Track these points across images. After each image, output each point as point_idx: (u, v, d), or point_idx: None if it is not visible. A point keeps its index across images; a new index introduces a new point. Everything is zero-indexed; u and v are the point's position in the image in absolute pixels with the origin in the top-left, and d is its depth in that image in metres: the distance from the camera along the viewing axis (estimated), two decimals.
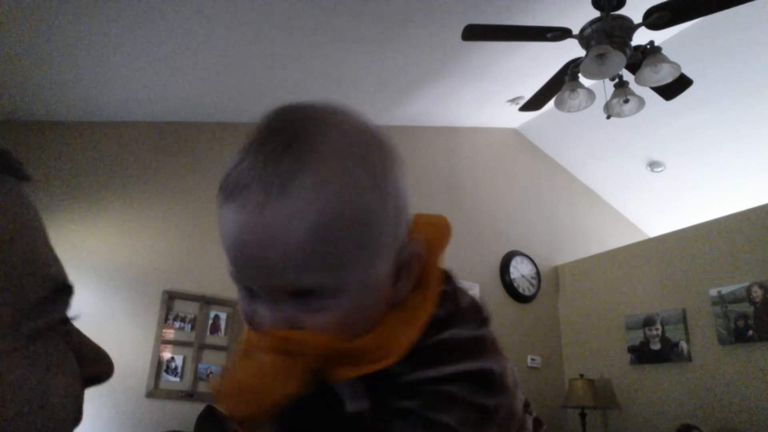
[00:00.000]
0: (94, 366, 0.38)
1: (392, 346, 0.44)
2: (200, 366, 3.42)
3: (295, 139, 0.43)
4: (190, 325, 3.48)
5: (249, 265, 0.43)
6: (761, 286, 3.64)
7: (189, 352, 3.44)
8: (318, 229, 0.41)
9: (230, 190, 0.43)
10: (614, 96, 3.03)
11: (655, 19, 2.62)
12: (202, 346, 3.47)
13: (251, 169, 0.42)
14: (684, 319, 4.07)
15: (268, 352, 0.43)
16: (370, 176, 0.44)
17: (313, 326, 0.43)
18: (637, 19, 2.71)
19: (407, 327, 0.45)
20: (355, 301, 0.44)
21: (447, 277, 0.52)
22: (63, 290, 0.36)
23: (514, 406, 0.48)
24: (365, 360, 0.44)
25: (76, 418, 0.37)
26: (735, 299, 3.76)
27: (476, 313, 0.51)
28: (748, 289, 3.70)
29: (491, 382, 0.46)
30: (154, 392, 3.26)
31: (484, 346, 0.48)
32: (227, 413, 0.43)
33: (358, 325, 0.45)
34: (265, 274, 0.43)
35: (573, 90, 3.00)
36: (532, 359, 4.74)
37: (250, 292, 0.45)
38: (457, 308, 0.49)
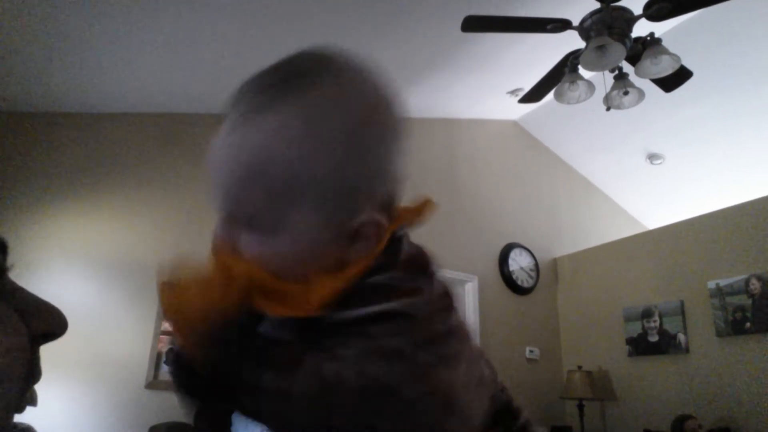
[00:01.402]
0: (42, 322, 0.38)
1: (314, 294, 0.45)
2: None
3: (293, 76, 0.46)
4: None
5: (214, 186, 0.46)
6: (759, 278, 3.65)
7: None
8: (266, 160, 0.43)
9: (225, 109, 0.47)
10: (614, 88, 3.02)
11: (656, 10, 2.61)
12: None
13: (234, 102, 0.46)
14: (682, 311, 4.08)
15: (211, 272, 0.45)
16: (343, 133, 0.44)
17: (246, 254, 0.45)
18: (638, 10, 2.70)
19: (335, 279, 0.45)
20: (286, 243, 0.45)
21: (398, 238, 0.50)
22: None
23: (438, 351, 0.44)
24: (289, 303, 0.45)
25: (30, 374, 0.37)
26: (733, 291, 3.77)
27: (411, 264, 0.49)
28: (746, 282, 3.71)
29: (415, 328, 0.43)
30: (154, 383, 3.27)
31: (403, 290, 0.46)
32: (170, 323, 0.44)
33: (289, 267, 0.45)
34: (219, 197, 0.46)
35: (573, 82, 3.00)
36: (531, 351, 4.76)
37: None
38: (391, 259, 0.48)
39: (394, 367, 0.41)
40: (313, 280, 0.45)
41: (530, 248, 5.09)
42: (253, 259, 0.45)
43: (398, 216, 0.50)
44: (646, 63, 2.81)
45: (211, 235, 0.49)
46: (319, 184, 0.44)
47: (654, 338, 4.22)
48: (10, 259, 0.39)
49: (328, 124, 0.44)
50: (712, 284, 3.91)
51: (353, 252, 0.46)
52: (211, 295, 0.43)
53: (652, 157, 5.42)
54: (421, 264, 0.51)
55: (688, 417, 3.61)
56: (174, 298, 0.45)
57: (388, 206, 0.49)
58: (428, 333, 0.44)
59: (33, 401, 0.38)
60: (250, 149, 0.44)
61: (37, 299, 0.39)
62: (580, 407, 4.28)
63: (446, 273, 4.19)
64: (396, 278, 0.46)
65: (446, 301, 0.49)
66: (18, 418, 0.37)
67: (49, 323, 0.39)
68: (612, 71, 2.98)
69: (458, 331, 0.47)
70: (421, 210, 0.54)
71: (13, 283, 0.39)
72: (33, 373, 0.37)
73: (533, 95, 3.41)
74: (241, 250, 0.46)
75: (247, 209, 0.45)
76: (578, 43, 2.93)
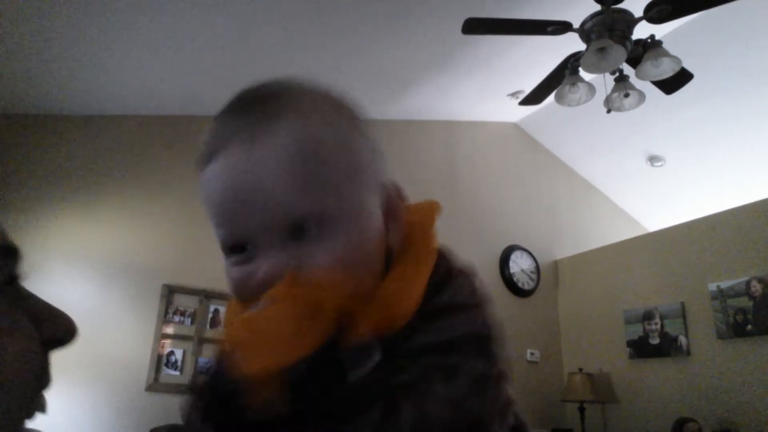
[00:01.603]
0: (52, 328, 0.39)
1: (402, 301, 0.42)
2: (200, 360, 3.43)
3: (268, 98, 0.44)
4: (189, 319, 3.48)
5: (241, 211, 0.42)
6: (760, 280, 3.64)
7: (189, 346, 3.44)
8: (304, 153, 0.41)
9: (210, 152, 0.43)
10: (614, 90, 3.02)
11: (656, 12, 2.61)
12: (202, 340, 3.48)
13: (228, 129, 0.43)
14: (683, 314, 4.07)
15: (286, 301, 0.39)
16: (344, 119, 0.46)
17: (318, 261, 0.40)
18: (638, 12, 2.70)
19: (411, 284, 0.43)
20: (355, 230, 0.43)
21: (447, 260, 0.50)
22: (5, 254, 0.36)
23: (507, 374, 0.44)
24: (380, 314, 0.41)
25: (40, 380, 0.37)
26: (734, 294, 3.77)
27: (470, 277, 0.49)
28: (747, 284, 3.70)
29: (490, 347, 0.44)
30: (154, 386, 3.27)
31: (481, 309, 0.46)
32: (242, 368, 0.37)
33: (363, 262, 0.43)
34: (259, 214, 0.41)
35: (573, 84, 3.00)
36: (531, 353, 4.75)
37: (242, 252, 0.43)
38: (451, 272, 0.47)
39: (483, 397, 0.41)
40: (392, 279, 0.44)
41: (531, 250, 5.08)
42: (326, 261, 0.41)
43: (417, 217, 0.50)
44: (646, 65, 2.81)
45: (236, 284, 0.43)
46: (365, 164, 0.46)
47: (655, 340, 4.21)
48: (24, 267, 0.39)
49: (342, 116, 0.47)
50: (713, 286, 3.90)
51: (391, 234, 0.47)
52: (301, 324, 0.38)
53: (652, 159, 5.42)
54: (473, 276, 0.50)
55: (689, 420, 3.60)
56: (249, 325, 0.39)
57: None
58: (497, 350, 0.44)
59: (43, 408, 0.38)
60: (296, 145, 0.42)
61: (50, 306, 0.40)
62: (581, 410, 4.28)
63: None
64: (463, 295, 0.46)
65: (489, 305, 0.48)
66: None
67: (60, 330, 0.39)
68: (612, 73, 2.98)
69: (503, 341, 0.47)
70: (432, 208, 0.54)
71: (25, 290, 0.39)
72: (43, 378, 0.37)
73: (534, 97, 3.41)
74: (305, 259, 0.41)
75: (304, 204, 0.41)
76: (579, 46, 2.94)
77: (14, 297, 0.37)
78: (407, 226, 0.48)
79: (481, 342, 0.43)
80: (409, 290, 0.43)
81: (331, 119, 0.45)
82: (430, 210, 0.53)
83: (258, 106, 0.44)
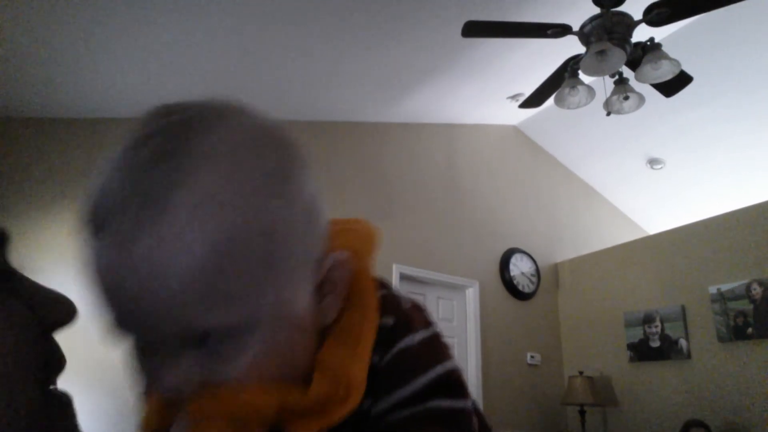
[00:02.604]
0: (51, 311, 0.38)
1: (349, 383, 0.38)
2: None
3: (172, 144, 0.35)
4: None
5: (132, 313, 0.34)
6: (761, 283, 3.64)
7: None
8: (210, 253, 0.33)
9: (94, 219, 0.34)
10: (614, 93, 3.02)
11: (655, 15, 2.61)
12: None
13: (118, 188, 0.34)
14: (683, 317, 4.07)
15: (212, 421, 0.35)
16: (269, 182, 0.36)
17: (232, 376, 0.35)
18: (638, 15, 2.70)
19: (354, 354, 0.39)
20: (274, 335, 0.36)
21: (380, 284, 0.45)
22: None
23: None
24: (324, 409, 0.37)
25: (50, 364, 0.36)
26: (734, 297, 3.76)
27: (420, 312, 0.45)
28: (748, 287, 3.70)
29: (460, 383, 0.42)
30: None
31: (441, 345, 0.44)
32: None
33: (286, 362, 0.38)
34: (154, 322, 0.34)
35: (573, 87, 3.00)
36: (532, 356, 4.74)
37: (141, 347, 0.37)
38: (401, 313, 0.43)
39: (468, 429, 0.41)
40: (327, 366, 0.39)
41: (531, 253, 5.08)
42: (241, 375, 0.35)
43: (353, 251, 0.44)
44: (646, 68, 2.81)
45: (140, 378, 0.38)
46: (291, 247, 0.37)
47: (655, 344, 4.21)
48: (16, 259, 0.39)
49: (266, 176, 0.37)
50: (713, 289, 3.90)
51: (327, 306, 0.41)
52: None
53: (652, 162, 5.42)
54: (422, 309, 0.46)
55: (697, 423, 3.59)
56: None
57: (330, 242, 0.42)
58: (464, 382, 0.43)
59: (63, 395, 0.37)
60: (200, 241, 0.33)
61: (44, 289, 0.39)
62: (582, 413, 4.27)
63: (447, 278, 4.16)
64: (422, 340, 0.43)
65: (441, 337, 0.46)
66: None
67: (60, 312, 0.39)
68: (612, 76, 2.98)
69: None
70: (367, 236, 0.47)
71: (19, 274, 0.38)
72: (52, 362, 0.37)
73: (533, 100, 3.41)
74: (215, 374, 0.35)
75: (210, 317, 0.34)
76: (578, 49, 2.94)
77: (6, 282, 0.36)
78: (339, 269, 0.42)
79: (449, 380, 0.41)
80: (354, 362, 0.39)
81: (253, 183, 0.35)
82: (364, 239, 0.47)
83: (158, 156, 0.34)
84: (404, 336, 0.42)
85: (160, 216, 0.33)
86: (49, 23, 2.66)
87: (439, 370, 0.41)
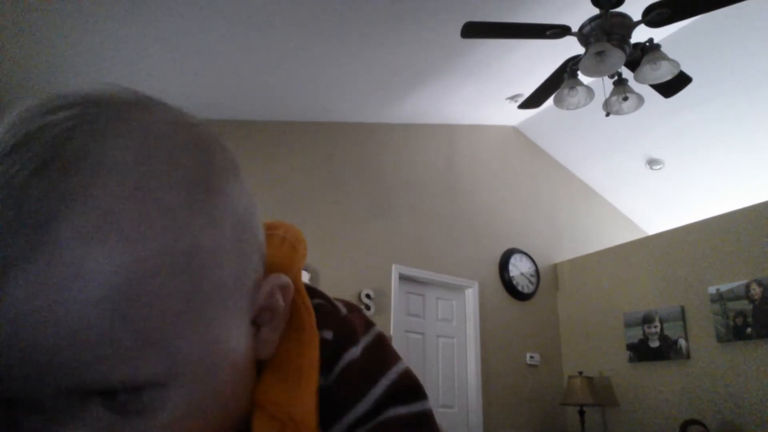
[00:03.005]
0: None
1: (298, 421, 0.33)
2: None
3: (57, 151, 0.27)
4: None
5: (25, 365, 0.26)
6: (760, 283, 3.64)
7: None
8: (110, 292, 0.26)
9: None
10: (613, 93, 3.02)
11: (655, 16, 2.61)
12: None
13: (5, 224, 0.25)
14: (683, 317, 4.07)
15: None
16: (188, 195, 0.29)
17: None
18: (637, 16, 2.70)
19: (298, 386, 0.35)
20: (201, 383, 0.30)
21: (312, 291, 0.41)
22: None
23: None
24: None
25: None
26: (734, 297, 3.77)
27: (358, 314, 0.42)
28: (747, 287, 3.71)
29: (414, 384, 0.39)
30: None
31: (386, 348, 0.40)
32: None
33: (218, 412, 0.32)
34: (36, 377, 0.26)
35: (572, 87, 3.00)
36: (531, 357, 4.75)
37: (22, 405, 0.28)
38: (339, 322, 0.40)
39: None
40: (273, 406, 0.34)
41: (530, 254, 5.08)
42: None
43: (280, 264, 0.38)
44: (645, 69, 2.81)
45: None
46: (218, 275, 0.31)
47: (655, 344, 4.21)
48: None
49: (183, 191, 0.29)
50: (712, 289, 3.90)
51: (265, 339, 0.35)
52: None
53: (651, 163, 5.43)
54: (358, 309, 0.43)
55: (694, 422, 3.59)
56: None
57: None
58: (419, 384, 0.40)
59: None
60: (98, 283, 0.26)
61: None
62: (581, 413, 4.27)
63: (446, 279, 4.15)
64: (367, 341, 0.40)
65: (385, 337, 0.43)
66: None
67: None
68: (611, 77, 2.98)
69: None
70: (294, 244, 0.41)
71: None
72: None
73: (533, 101, 3.41)
74: None
75: (119, 373, 0.27)
76: (577, 49, 2.94)
77: None
78: (278, 294, 0.36)
79: (405, 383, 0.39)
80: (298, 395, 0.34)
81: (165, 203, 0.28)
82: (291, 247, 0.41)
83: (35, 169, 0.26)
84: (347, 348, 0.38)
85: (43, 246, 0.25)
86: (50, 24, 2.66)
87: (391, 376, 0.38)
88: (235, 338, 0.32)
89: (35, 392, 0.27)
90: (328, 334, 0.38)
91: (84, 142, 0.27)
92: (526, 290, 4.94)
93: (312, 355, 0.36)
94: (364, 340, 0.40)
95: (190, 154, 0.31)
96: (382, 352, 0.40)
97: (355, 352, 0.38)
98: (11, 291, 0.25)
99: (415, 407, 0.38)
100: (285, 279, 0.36)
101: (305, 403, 0.34)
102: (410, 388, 0.39)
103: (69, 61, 3.03)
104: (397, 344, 3.45)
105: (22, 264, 0.25)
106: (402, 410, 0.37)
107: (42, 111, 0.28)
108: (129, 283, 0.26)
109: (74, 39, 2.83)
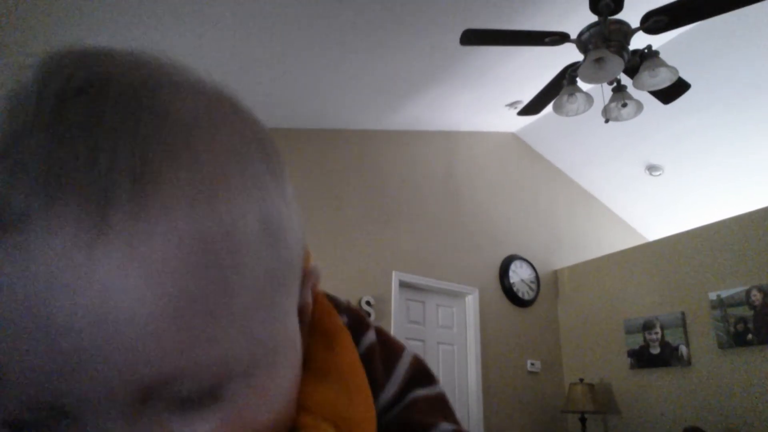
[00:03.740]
0: None
1: (356, 425, 0.30)
2: None
3: (142, 103, 0.23)
4: None
5: (75, 361, 0.21)
6: (760, 289, 3.64)
7: None
8: (216, 265, 0.23)
9: (13, 211, 0.21)
10: (612, 100, 3.03)
11: (653, 23, 2.62)
12: None
13: (38, 175, 0.21)
14: (683, 323, 4.06)
15: None
16: (268, 168, 0.28)
17: None
18: (635, 23, 2.71)
19: (347, 388, 0.31)
20: (278, 377, 0.27)
21: (334, 302, 0.38)
22: None
23: None
24: None
25: None
26: (734, 303, 3.76)
27: (363, 320, 0.40)
28: (748, 293, 3.70)
29: (428, 367, 0.40)
30: None
31: (389, 335, 0.40)
32: None
33: (288, 407, 0.28)
34: (110, 371, 0.21)
35: (571, 94, 3.01)
36: (532, 364, 4.73)
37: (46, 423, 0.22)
38: (349, 310, 0.38)
39: None
40: (329, 416, 0.30)
41: (530, 260, 5.08)
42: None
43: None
44: (644, 75, 2.82)
45: None
46: (291, 259, 0.28)
47: (656, 350, 4.20)
48: None
49: (257, 170, 0.27)
50: (713, 295, 3.89)
51: (308, 344, 0.33)
52: None
53: (651, 169, 5.43)
54: (347, 302, 0.41)
55: (696, 429, 3.58)
56: None
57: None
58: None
59: None
60: (184, 260, 0.22)
61: None
62: (582, 420, 4.25)
63: (447, 285, 4.14)
64: (378, 330, 0.39)
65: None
66: None
67: None
68: (610, 83, 2.99)
69: None
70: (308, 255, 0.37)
71: None
72: None
73: (532, 107, 3.42)
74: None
75: (210, 367, 0.23)
76: (576, 56, 2.95)
77: None
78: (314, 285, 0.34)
79: (421, 366, 0.39)
80: (352, 398, 0.31)
81: (257, 173, 0.26)
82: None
83: (127, 125, 0.22)
84: (363, 333, 0.37)
85: (145, 209, 0.21)
86: (52, 25, 2.67)
87: (406, 359, 0.38)
88: (293, 326, 0.29)
89: (92, 393, 0.21)
90: (344, 319, 0.37)
91: (170, 98, 0.24)
92: (526, 297, 4.93)
93: (351, 354, 0.33)
94: (373, 327, 0.39)
95: (252, 125, 0.29)
96: (389, 337, 0.40)
97: (371, 336, 0.37)
98: (101, 259, 0.20)
99: (433, 390, 0.39)
100: (317, 267, 0.34)
101: (362, 406, 0.31)
102: (425, 371, 0.39)
103: None
104: None
105: (119, 225, 0.21)
106: (423, 392, 0.38)
107: (85, 62, 0.24)
108: (230, 250, 0.23)
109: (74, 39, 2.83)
